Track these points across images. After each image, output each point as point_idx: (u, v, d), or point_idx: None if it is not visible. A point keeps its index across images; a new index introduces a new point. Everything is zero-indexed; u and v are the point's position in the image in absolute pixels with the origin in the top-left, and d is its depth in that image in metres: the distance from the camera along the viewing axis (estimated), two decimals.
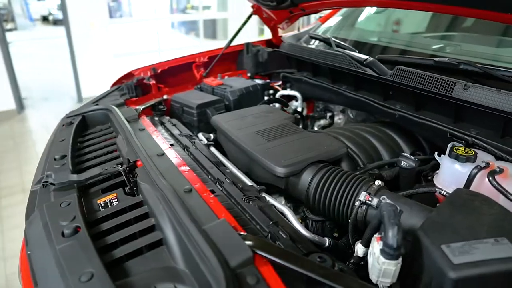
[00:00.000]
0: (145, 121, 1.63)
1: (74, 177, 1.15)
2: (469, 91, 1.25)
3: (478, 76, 1.39)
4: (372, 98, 1.62)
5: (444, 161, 1.24)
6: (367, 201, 1.09)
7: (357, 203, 1.10)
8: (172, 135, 1.61)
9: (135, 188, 1.16)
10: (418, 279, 0.86)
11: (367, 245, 1.03)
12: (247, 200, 1.13)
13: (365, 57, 1.70)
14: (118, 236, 0.93)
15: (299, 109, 2.19)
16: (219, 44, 11.78)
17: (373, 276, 0.88)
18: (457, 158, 1.18)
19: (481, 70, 1.38)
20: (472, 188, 1.13)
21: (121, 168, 1.20)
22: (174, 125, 1.74)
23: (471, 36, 1.83)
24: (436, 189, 1.22)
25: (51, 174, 1.19)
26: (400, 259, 0.84)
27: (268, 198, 1.22)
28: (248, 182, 1.30)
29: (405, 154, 1.32)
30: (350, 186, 1.15)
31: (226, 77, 2.33)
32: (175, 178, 1.12)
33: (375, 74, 1.56)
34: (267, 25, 2.45)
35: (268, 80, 2.32)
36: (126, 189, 1.19)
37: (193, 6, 14.34)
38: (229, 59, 2.53)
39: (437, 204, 1.23)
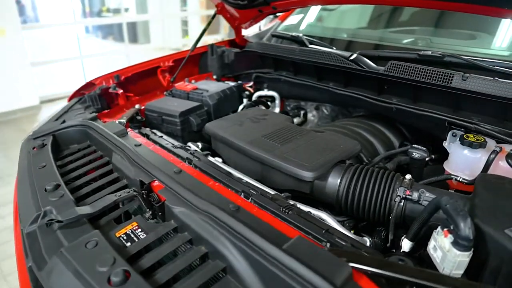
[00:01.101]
0: (135, 135, 1.46)
1: (85, 210, 0.97)
2: (467, 81, 1.33)
3: (461, 67, 1.49)
4: (365, 94, 1.65)
5: (456, 148, 1.30)
6: (408, 196, 1.09)
7: (397, 199, 1.10)
8: (164, 147, 1.45)
9: (159, 213, 1.01)
10: (483, 266, 0.88)
11: (413, 239, 1.03)
12: (286, 211, 1.06)
13: (348, 53, 1.73)
14: (169, 272, 0.80)
15: (277, 110, 2.15)
16: (143, 48, 11.31)
17: (445, 270, 0.88)
18: (471, 145, 1.24)
19: (465, 61, 1.48)
20: (489, 171, 1.20)
21: (136, 193, 1.05)
22: (161, 136, 1.58)
23: (438, 30, 1.96)
24: (452, 175, 1.28)
25: (51, 209, 0.99)
26: (472, 250, 0.85)
27: (299, 205, 1.16)
28: (270, 191, 1.22)
29: (415, 145, 1.36)
30: (384, 183, 1.14)
31: (193, 81, 2.19)
32: (212, 196, 1.00)
33: (369, 70, 1.59)
34: (231, 24, 2.37)
35: (240, 82, 2.24)
36: (147, 215, 1.04)
37: (109, 9, 13.43)
38: (191, 62, 2.39)
39: (450, 190, 1.29)
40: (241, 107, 2.06)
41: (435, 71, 1.40)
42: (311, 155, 1.26)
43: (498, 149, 1.19)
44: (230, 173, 1.32)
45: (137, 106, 1.86)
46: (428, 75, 1.41)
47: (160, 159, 1.22)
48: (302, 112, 2.24)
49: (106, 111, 1.80)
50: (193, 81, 2.26)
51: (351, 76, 1.71)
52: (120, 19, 9.33)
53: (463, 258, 0.85)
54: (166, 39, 10.76)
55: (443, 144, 1.44)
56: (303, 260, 0.71)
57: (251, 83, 2.27)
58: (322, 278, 0.66)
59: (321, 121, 2.22)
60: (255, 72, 2.19)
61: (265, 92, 2.12)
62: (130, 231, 0.98)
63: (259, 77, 2.19)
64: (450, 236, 0.88)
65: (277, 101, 2.12)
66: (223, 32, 10.75)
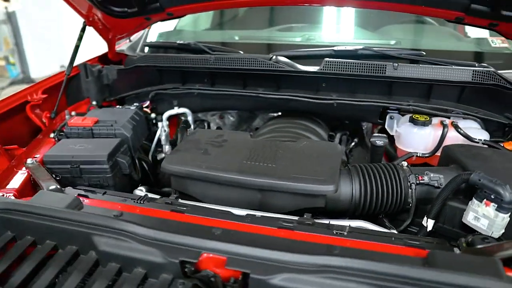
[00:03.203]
0: (89, 201, 1.04)
1: None
2: (398, 69, 1.52)
3: (371, 58, 1.69)
4: (302, 94, 1.66)
5: (408, 128, 1.48)
6: (421, 181, 1.18)
7: (412, 186, 1.17)
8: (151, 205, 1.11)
9: None
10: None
11: (435, 217, 1.13)
12: (338, 233, 0.98)
13: (268, 56, 1.70)
14: None
15: (192, 128, 1.93)
16: None
17: (494, 233, 1.01)
18: (424, 124, 1.44)
19: (375, 52, 1.69)
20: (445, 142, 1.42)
21: (212, 278, 0.76)
22: (104, 193, 1.19)
23: (317, 26, 2.14)
24: (413, 153, 1.46)
25: None
26: None
27: (332, 221, 1.10)
28: (289, 217, 1.10)
29: (376, 134, 1.47)
30: (392, 175, 1.20)
31: (74, 112, 1.73)
32: (292, 245, 0.82)
33: (307, 70, 1.60)
34: (104, 37, 1.95)
35: (136, 104, 1.89)
36: None
37: None
38: (56, 90, 1.85)
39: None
40: (160, 132, 1.75)
41: (370, 64, 1.54)
42: (314, 168, 1.20)
43: (445, 123, 1.43)
44: (229, 211, 1.12)
45: (29, 160, 1.32)
46: (365, 68, 1.54)
47: (174, 223, 0.92)
48: (206, 124, 2.09)
49: None
50: (73, 113, 1.77)
51: (282, 79, 1.69)
52: None
53: (508, 219, 1.00)
54: None
55: (385, 126, 1.62)
56: (467, 271, 0.68)
57: (147, 103, 1.95)
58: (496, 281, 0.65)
59: (229, 129, 2.13)
60: (154, 90, 1.89)
61: (176, 110, 1.86)
62: None
63: (159, 94, 1.90)
64: (492, 204, 1.01)
65: (190, 118, 1.90)
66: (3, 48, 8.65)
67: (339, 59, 1.56)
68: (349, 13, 2.22)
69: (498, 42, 1.81)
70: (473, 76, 1.48)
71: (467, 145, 1.34)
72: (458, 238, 1.02)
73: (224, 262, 0.78)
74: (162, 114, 1.88)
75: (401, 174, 1.20)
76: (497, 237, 1.01)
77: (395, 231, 1.15)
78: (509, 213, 0.99)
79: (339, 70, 1.56)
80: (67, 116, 1.75)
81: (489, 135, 1.42)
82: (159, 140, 1.84)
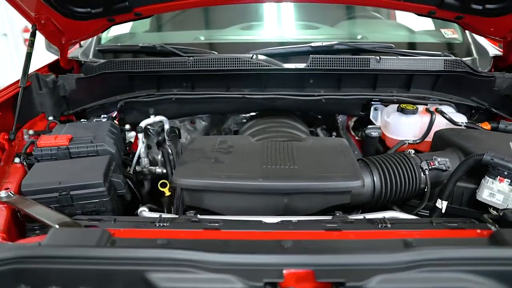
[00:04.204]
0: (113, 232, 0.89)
1: None
2: (381, 62, 1.59)
3: (347, 52, 1.74)
4: (290, 92, 1.64)
5: (397, 118, 1.56)
6: (432, 167, 1.24)
7: (427, 171, 1.23)
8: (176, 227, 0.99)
9: None
10: None
11: (447, 199, 1.22)
12: (383, 226, 0.99)
13: (248, 55, 1.65)
14: None
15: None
16: None
17: (509, 206, 1.11)
18: (413, 112, 1.53)
19: (350, 47, 1.75)
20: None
21: None
22: (115, 220, 1.04)
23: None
24: (404, 140, 1.54)
25: None
26: None
27: (362, 216, 1.11)
28: (324, 218, 1.09)
29: (371, 126, 1.52)
30: (406, 163, 1.24)
31: (32, 131, 1.48)
32: (370, 245, 0.80)
33: (296, 68, 1.59)
34: (55, 42, 1.70)
35: (105, 116, 1.69)
36: None
37: None
38: (6, 106, 1.58)
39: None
40: (140, 145, 1.59)
41: (354, 58, 1.58)
42: (334, 165, 1.20)
43: (431, 110, 1.53)
44: (261, 221, 1.06)
45: (2, 194, 1.09)
46: (350, 63, 1.57)
47: (232, 243, 0.83)
48: (177, 131, 1.97)
49: None
50: (31, 131, 1.52)
51: (268, 78, 1.65)
52: None
53: None
54: None
55: (370, 117, 1.68)
56: None
57: (114, 114, 1.76)
58: None
59: (201, 134, 2.03)
60: (123, 98, 1.71)
61: (152, 119, 1.70)
62: None
63: (130, 103, 1.72)
64: (506, 180, 1.11)
65: (166, 126, 1.76)
66: None
67: (325, 55, 1.58)
68: (307, 9, 2.26)
69: (449, 33, 2.00)
70: (444, 65, 1.61)
71: (457, 129, 1.45)
72: (464, 216, 1.12)
73: (312, 275, 0.72)
74: (133, 124, 1.72)
75: (413, 162, 1.25)
76: None
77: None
78: None
79: (326, 66, 1.58)
80: (25, 136, 1.49)
81: (466, 118, 1.56)
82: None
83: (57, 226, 0.88)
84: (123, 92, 1.73)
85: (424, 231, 0.93)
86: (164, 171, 1.69)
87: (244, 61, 1.59)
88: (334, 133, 1.95)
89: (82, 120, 1.69)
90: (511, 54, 1.71)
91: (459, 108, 1.67)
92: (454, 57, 1.66)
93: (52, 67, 1.83)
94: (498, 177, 1.11)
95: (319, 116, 1.98)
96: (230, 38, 2.03)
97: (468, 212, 1.24)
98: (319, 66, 1.58)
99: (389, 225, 0.99)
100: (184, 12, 2.23)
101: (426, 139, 1.52)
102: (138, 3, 1.55)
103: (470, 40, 1.95)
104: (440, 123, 1.52)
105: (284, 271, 0.73)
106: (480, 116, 1.70)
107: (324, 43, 1.75)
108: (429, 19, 2.22)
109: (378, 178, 1.22)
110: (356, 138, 1.95)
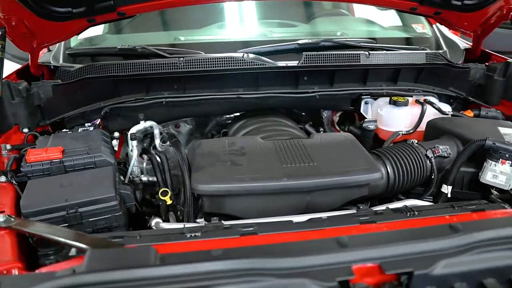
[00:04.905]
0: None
1: None
2: (370, 57, 1.64)
3: (333, 49, 1.78)
4: (284, 90, 1.64)
5: (389, 110, 1.62)
6: (437, 154, 1.30)
7: (432, 159, 1.29)
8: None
9: None
10: None
11: (452, 183, 1.30)
12: (412, 215, 1.03)
13: (239, 55, 1.63)
14: None
15: (156, 143, 1.70)
16: None
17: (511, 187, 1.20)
18: (405, 104, 1.59)
19: (335, 43, 1.79)
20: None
21: None
22: (140, 236, 0.96)
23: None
24: (399, 132, 1.60)
25: None
26: None
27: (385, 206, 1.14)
28: (354, 211, 1.10)
29: (368, 119, 1.56)
30: (415, 153, 1.30)
31: (9, 146, 1.33)
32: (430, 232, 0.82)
33: (290, 66, 1.58)
34: (25, 47, 1.54)
35: (88, 124, 1.56)
36: None
37: None
38: None
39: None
40: (134, 154, 1.49)
41: (346, 54, 1.61)
42: (350, 159, 1.22)
43: (421, 101, 1.61)
44: (290, 220, 1.05)
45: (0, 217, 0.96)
46: (341, 59, 1.60)
47: (287, 246, 0.80)
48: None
49: None
50: (8, 146, 1.37)
51: (262, 77, 1.63)
52: None
53: None
54: None
55: (360, 111, 1.73)
56: None
57: (98, 122, 1.64)
58: None
59: (185, 137, 1.96)
60: (108, 104, 1.60)
61: (143, 125, 1.60)
62: None
63: (116, 109, 1.61)
64: (507, 162, 1.19)
65: (156, 131, 1.67)
66: None
67: (315, 52, 1.59)
68: (282, 7, 2.28)
69: (420, 28, 2.12)
70: (426, 59, 1.70)
71: (448, 118, 1.54)
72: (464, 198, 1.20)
73: (380, 268, 0.73)
74: (117, 131, 1.62)
75: (419, 151, 1.31)
76: None
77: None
78: None
79: (319, 63, 1.59)
80: (3, 152, 1.33)
81: (450, 108, 1.66)
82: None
83: (89, 248, 0.79)
84: (107, 97, 1.62)
85: (460, 215, 0.97)
86: (151, 179, 1.60)
87: (238, 60, 1.55)
88: (322, 129, 1.98)
89: (65, 130, 1.55)
90: (480, 46, 1.85)
91: (440, 98, 1.77)
92: (433, 51, 1.76)
93: (20, 74, 1.65)
94: (500, 159, 1.19)
95: (303, 113, 2.00)
96: (212, 38, 1.97)
97: (470, 194, 1.32)
98: (313, 63, 1.59)
99: (416, 213, 1.03)
100: (153, 13, 2.14)
101: (418, 129, 1.60)
102: (123, 2, 1.45)
103: (438, 34, 2.08)
104: (429, 113, 1.60)
105: (353, 268, 0.73)
106: (458, 105, 1.83)
107: (310, 40, 1.77)
108: (390, 15, 2.38)
109: (391, 169, 1.25)
110: (312, 133, 2.00)
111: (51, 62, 1.70)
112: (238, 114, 1.88)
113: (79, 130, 1.49)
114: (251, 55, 1.64)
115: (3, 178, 1.18)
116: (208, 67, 1.54)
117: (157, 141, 1.69)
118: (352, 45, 1.76)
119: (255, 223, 1.00)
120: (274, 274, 0.70)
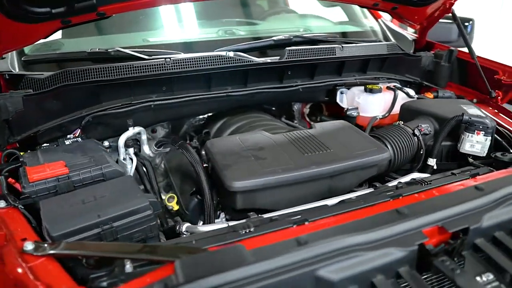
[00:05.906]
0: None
1: None
2: (344, 50, 1.77)
3: (304, 44, 1.88)
4: (268, 86, 1.68)
5: (366, 98, 1.77)
6: (423, 132, 1.47)
7: (420, 137, 1.45)
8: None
9: None
10: None
11: (436, 156, 1.48)
12: (425, 184, 1.16)
13: (223, 53, 1.63)
14: None
15: (145, 149, 1.62)
16: None
17: (485, 152, 1.41)
18: (379, 91, 1.75)
19: (305, 39, 1.89)
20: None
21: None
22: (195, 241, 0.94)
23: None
24: (376, 116, 1.76)
25: None
26: None
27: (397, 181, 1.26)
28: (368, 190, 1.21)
29: (350, 107, 1.69)
30: (406, 132, 1.45)
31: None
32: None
33: (275, 61, 1.63)
34: None
35: (75, 135, 1.43)
36: None
37: None
38: None
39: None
40: (133, 165, 1.40)
41: (323, 48, 1.72)
42: (358, 143, 1.32)
43: (393, 87, 1.79)
44: (326, 205, 1.12)
45: (29, 246, 0.85)
46: (320, 53, 1.71)
47: (358, 223, 0.86)
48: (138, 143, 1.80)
49: None
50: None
51: (250, 74, 1.65)
52: None
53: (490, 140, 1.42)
54: None
55: (337, 101, 1.86)
56: None
57: (78, 133, 1.50)
58: None
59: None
60: (91, 113, 1.47)
61: (132, 131, 1.52)
62: None
63: (98, 117, 1.50)
64: (481, 133, 1.41)
65: (144, 137, 1.59)
66: None
67: (298, 47, 1.67)
68: (236, 6, 2.32)
69: (368, 22, 2.32)
70: (387, 50, 1.89)
71: (418, 100, 1.74)
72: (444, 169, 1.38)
73: (444, 229, 0.83)
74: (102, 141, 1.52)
75: (408, 130, 1.47)
76: (484, 155, 1.42)
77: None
78: (491, 136, 1.41)
79: (302, 57, 1.67)
80: None
81: (414, 92, 1.87)
82: None
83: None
84: (87, 105, 1.49)
85: (474, 179, 1.12)
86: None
87: (227, 58, 1.56)
88: (296, 121, 2.07)
89: (45, 144, 1.39)
90: (425, 37, 2.11)
91: (400, 84, 1.98)
92: (390, 42, 1.96)
93: None
94: (476, 131, 1.40)
95: (273, 108, 2.08)
96: (181, 39, 1.93)
97: (449, 164, 1.52)
98: (296, 57, 1.66)
99: (430, 183, 1.16)
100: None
101: (392, 113, 1.77)
102: (104, 1, 1.35)
103: (384, 27, 2.31)
104: (399, 98, 1.79)
105: (423, 231, 0.82)
106: (413, 89, 2.06)
107: (283, 36, 1.85)
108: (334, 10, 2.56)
109: (391, 149, 1.38)
110: (311, 124, 2.11)
111: (12, 70, 1.51)
112: (210, 114, 1.88)
113: (67, 143, 1.36)
114: (239, 53, 1.65)
115: (2, 203, 1.04)
116: (201, 66, 1.52)
117: (146, 147, 1.62)
118: (320, 40, 1.88)
119: (298, 211, 1.04)
120: (366, 248, 0.75)
